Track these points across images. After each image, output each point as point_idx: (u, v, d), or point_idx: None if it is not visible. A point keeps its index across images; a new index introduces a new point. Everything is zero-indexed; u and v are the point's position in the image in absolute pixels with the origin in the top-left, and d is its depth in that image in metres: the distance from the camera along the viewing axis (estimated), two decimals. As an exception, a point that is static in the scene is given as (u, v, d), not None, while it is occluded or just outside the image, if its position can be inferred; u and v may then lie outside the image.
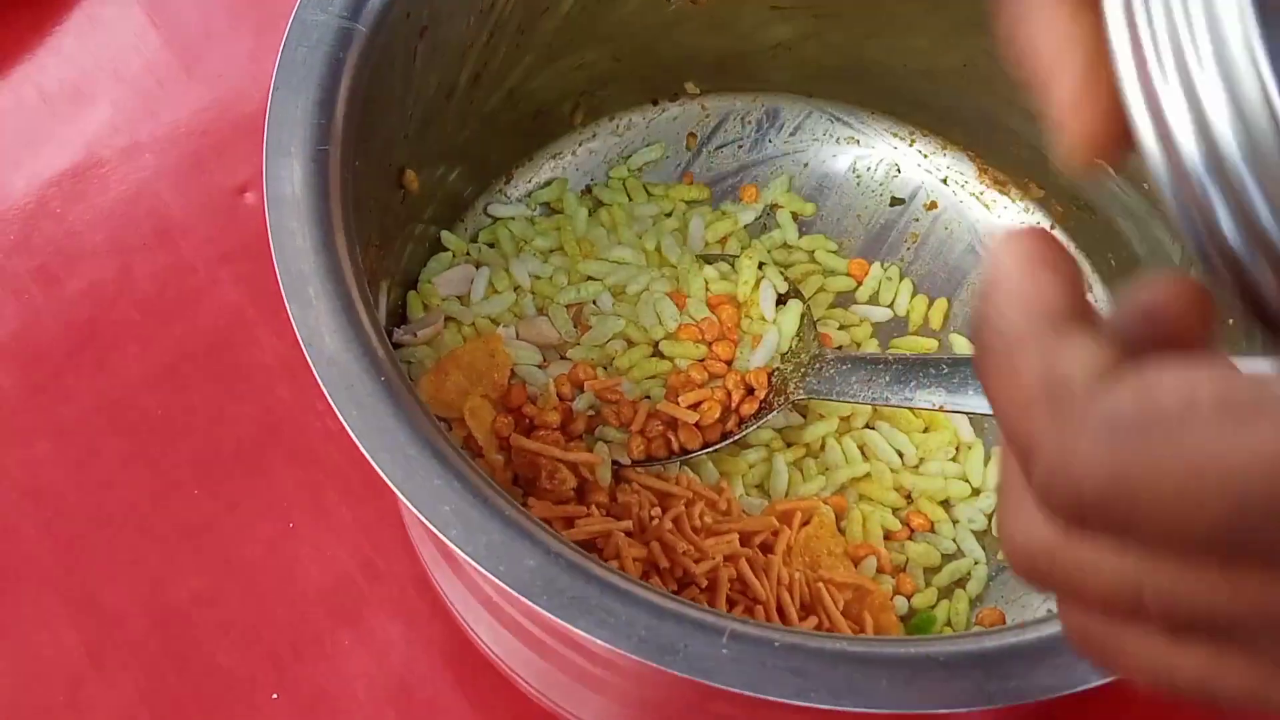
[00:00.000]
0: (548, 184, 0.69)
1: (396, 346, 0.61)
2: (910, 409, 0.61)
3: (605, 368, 0.62)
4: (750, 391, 0.61)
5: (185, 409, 0.66)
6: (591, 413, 0.60)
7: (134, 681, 0.60)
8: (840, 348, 0.65)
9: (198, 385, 0.67)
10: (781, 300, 0.63)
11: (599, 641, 0.40)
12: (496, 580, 0.41)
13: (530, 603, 0.40)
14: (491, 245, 0.66)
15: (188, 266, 0.69)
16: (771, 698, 0.39)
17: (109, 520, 0.63)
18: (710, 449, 0.60)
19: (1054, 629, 0.41)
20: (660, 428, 0.60)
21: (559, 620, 0.40)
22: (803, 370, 0.60)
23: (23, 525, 0.63)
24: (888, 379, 0.57)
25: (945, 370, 0.56)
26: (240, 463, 0.65)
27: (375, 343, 0.44)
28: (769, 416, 0.60)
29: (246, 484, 0.64)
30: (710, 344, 0.62)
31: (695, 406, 0.60)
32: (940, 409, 0.56)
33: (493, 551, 0.41)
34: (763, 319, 0.63)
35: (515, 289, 0.64)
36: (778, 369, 0.62)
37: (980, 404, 0.54)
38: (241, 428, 0.66)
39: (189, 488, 0.64)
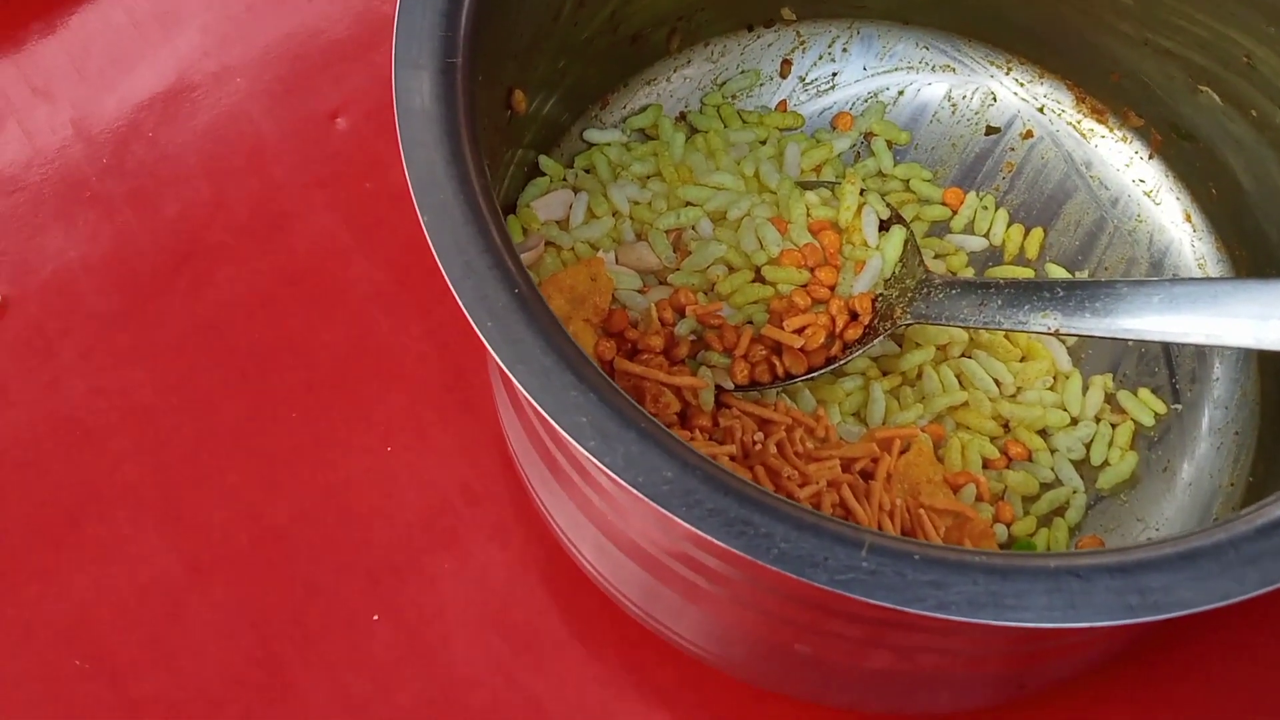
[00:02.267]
0: (642, 110, 0.69)
1: (498, 270, 0.61)
2: (1018, 333, 0.60)
3: (706, 293, 0.62)
4: (854, 317, 0.60)
5: (280, 333, 0.66)
6: (693, 338, 0.60)
7: (235, 599, 0.60)
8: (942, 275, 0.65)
9: (292, 310, 0.67)
10: (884, 226, 0.63)
11: (740, 553, 0.40)
12: (636, 492, 0.40)
13: (670, 513, 0.40)
14: (588, 171, 0.66)
15: (281, 191, 0.69)
16: (914, 610, 0.39)
17: (205, 442, 0.63)
18: (814, 374, 0.60)
19: (1195, 543, 0.41)
20: (764, 353, 0.59)
21: (700, 531, 0.40)
22: (909, 295, 0.60)
23: (121, 448, 0.63)
24: (1000, 303, 0.57)
25: (1060, 294, 0.55)
26: (336, 387, 0.65)
27: (507, 256, 0.44)
28: (874, 342, 0.60)
29: (343, 408, 0.65)
30: (813, 269, 0.62)
31: (800, 331, 0.59)
32: (1055, 333, 0.55)
33: (631, 463, 0.41)
34: (865, 245, 0.62)
35: (614, 214, 0.64)
36: (882, 295, 0.61)
37: (1096, 326, 0.54)
38: (337, 352, 0.66)
39: (285, 411, 0.64)
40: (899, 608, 0.39)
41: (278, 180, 0.69)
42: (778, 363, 0.59)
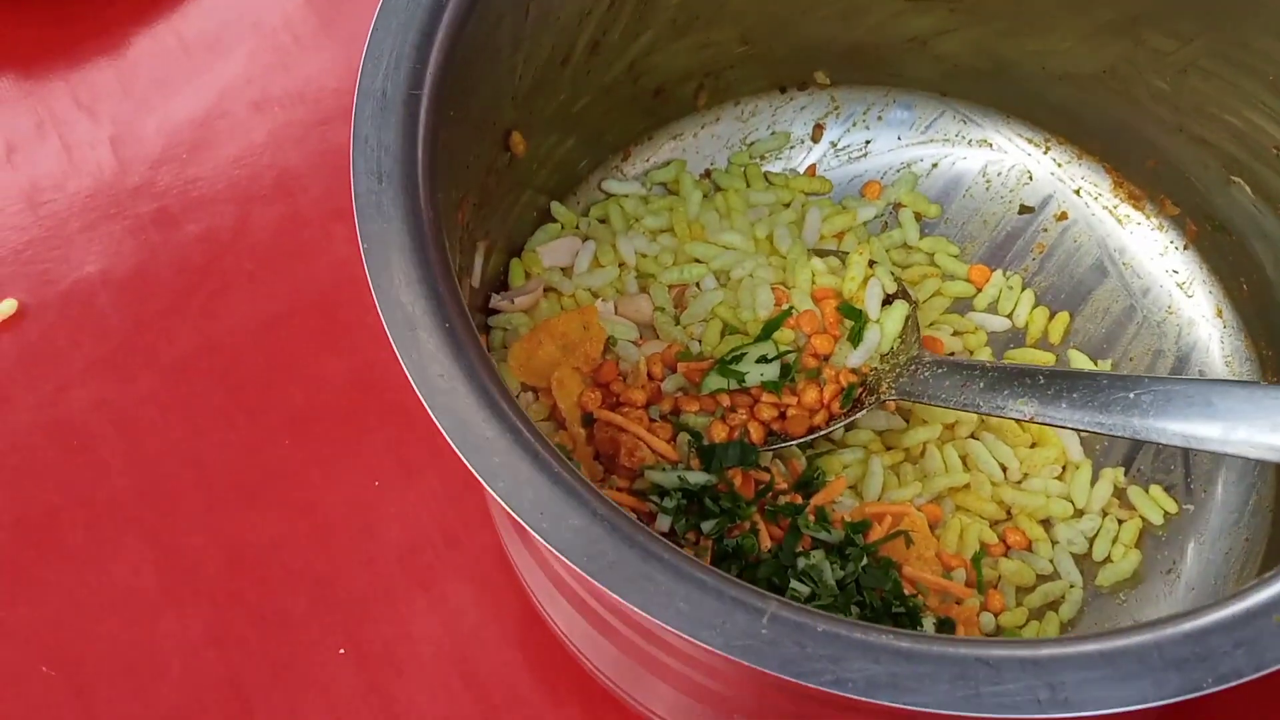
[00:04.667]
0: (666, 164, 0.68)
1: (493, 312, 0.61)
2: (1004, 419, 0.58)
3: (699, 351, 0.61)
4: (844, 388, 0.59)
5: (286, 360, 0.66)
6: (680, 393, 0.59)
7: (205, 621, 0.60)
8: (952, 354, 0.63)
9: (301, 338, 0.67)
10: (889, 300, 0.61)
11: (635, 609, 0.38)
12: (538, 538, 0.39)
13: (569, 562, 0.39)
14: (602, 221, 0.65)
15: (303, 220, 0.70)
16: (808, 684, 0.38)
17: (198, 462, 0.64)
18: (790, 442, 0.58)
19: (1117, 641, 0.39)
20: (744, 416, 0.58)
21: (598, 583, 0.39)
22: (898, 371, 0.58)
23: (114, 459, 0.64)
24: (981, 385, 0.55)
25: (1041, 381, 0.53)
26: (334, 418, 0.65)
27: (444, 291, 0.43)
28: (858, 415, 0.58)
29: (338, 439, 0.65)
30: (809, 336, 0.60)
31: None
32: (1031, 420, 0.53)
33: (538, 507, 0.40)
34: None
35: (620, 265, 0.63)
36: (874, 369, 0.60)
37: (1070, 417, 0.52)
38: (340, 383, 0.66)
39: (281, 437, 0.64)
40: (792, 680, 0.38)
41: (302, 209, 0.70)
42: (755, 427, 0.58)
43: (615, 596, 0.39)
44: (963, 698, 0.38)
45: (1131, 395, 0.50)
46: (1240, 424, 0.47)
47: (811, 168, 0.69)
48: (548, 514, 0.40)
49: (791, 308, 0.61)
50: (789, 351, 0.59)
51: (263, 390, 0.65)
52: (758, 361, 0.59)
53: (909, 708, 0.37)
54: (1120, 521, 0.61)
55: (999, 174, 0.69)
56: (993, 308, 0.66)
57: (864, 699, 0.37)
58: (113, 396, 0.65)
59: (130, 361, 0.66)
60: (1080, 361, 0.64)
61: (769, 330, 0.60)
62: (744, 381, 0.58)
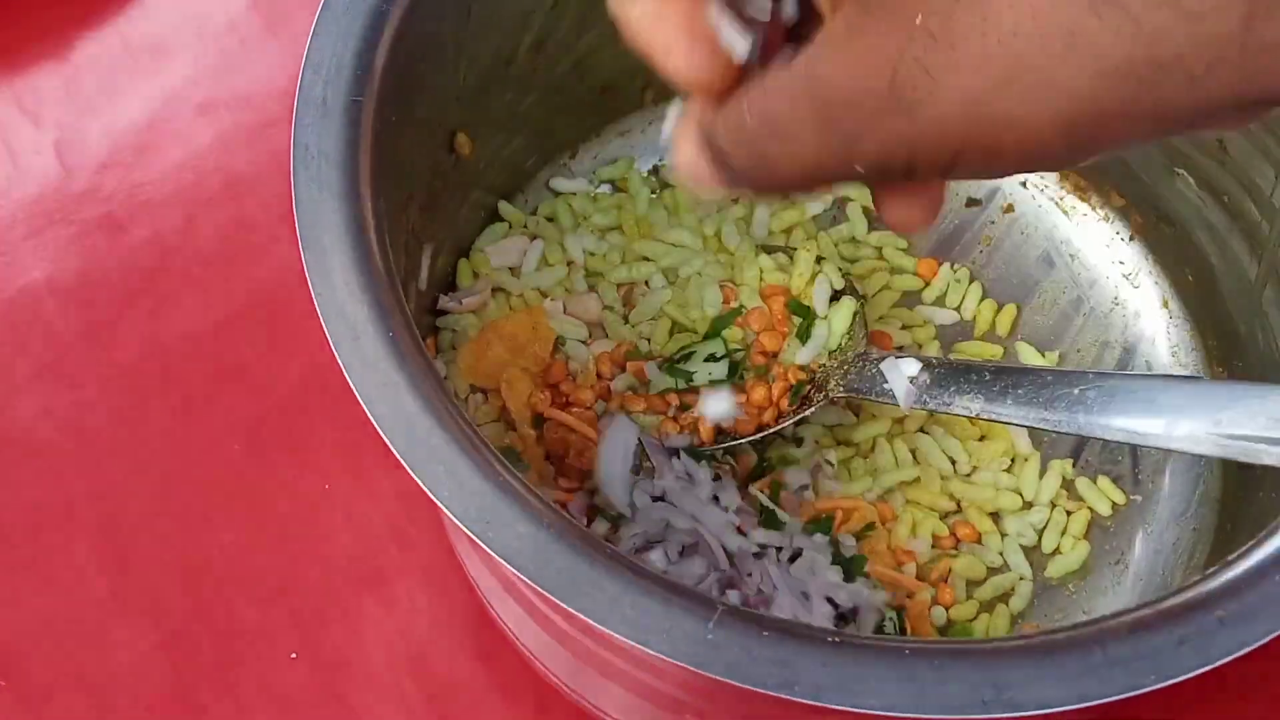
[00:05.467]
0: (614, 161, 0.68)
1: (441, 313, 0.60)
2: (947, 415, 0.58)
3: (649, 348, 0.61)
4: (792, 385, 0.59)
5: (234, 364, 0.66)
6: (629, 392, 0.59)
7: (156, 628, 0.60)
8: (901, 349, 0.63)
9: (249, 342, 0.66)
10: (836, 296, 0.61)
11: (581, 616, 0.38)
12: (483, 546, 0.40)
13: (517, 570, 0.39)
14: (550, 219, 0.65)
15: (250, 223, 0.69)
16: (755, 689, 0.38)
17: (147, 468, 0.63)
18: (740, 440, 0.58)
19: (1062, 639, 0.39)
20: (694, 415, 0.58)
21: (545, 591, 0.39)
22: (845, 368, 0.59)
23: (62, 466, 0.63)
24: (927, 381, 0.55)
25: (987, 377, 0.54)
26: (283, 422, 0.65)
27: (388, 297, 0.43)
28: (807, 412, 0.58)
29: (287, 443, 0.64)
30: (757, 334, 0.60)
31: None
32: (976, 417, 0.54)
33: (482, 515, 0.40)
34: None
35: (568, 264, 0.63)
36: (823, 365, 0.60)
37: (1015, 414, 0.52)
38: (288, 387, 0.66)
39: (230, 442, 0.64)
40: (740, 684, 0.38)
41: (249, 212, 0.69)
42: (705, 426, 0.58)
43: (562, 604, 0.39)
44: (910, 699, 0.38)
45: (1076, 391, 0.50)
46: (1183, 419, 0.47)
47: (759, 163, 0.69)
48: (493, 521, 0.40)
49: (741, 306, 0.61)
50: (737, 350, 0.60)
51: (212, 394, 0.65)
52: (706, 360, 0.59)
53: (856, 710, 0.38)
54: (1069, 513, 0.61)
55: (946, 167, 0.69)
56: (941, 301, 0.66)
57: (811, 702, 0.38)
58: (60, 403, 0.65)
59: (77, 368, 0.65)
60: (1028, 353, 0.65)
61: (717, 328, 0.60)
62: (691, 380, 0.58)
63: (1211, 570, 0.41)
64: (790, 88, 0.31)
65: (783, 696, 0.38)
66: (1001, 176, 0.32)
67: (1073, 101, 0.28)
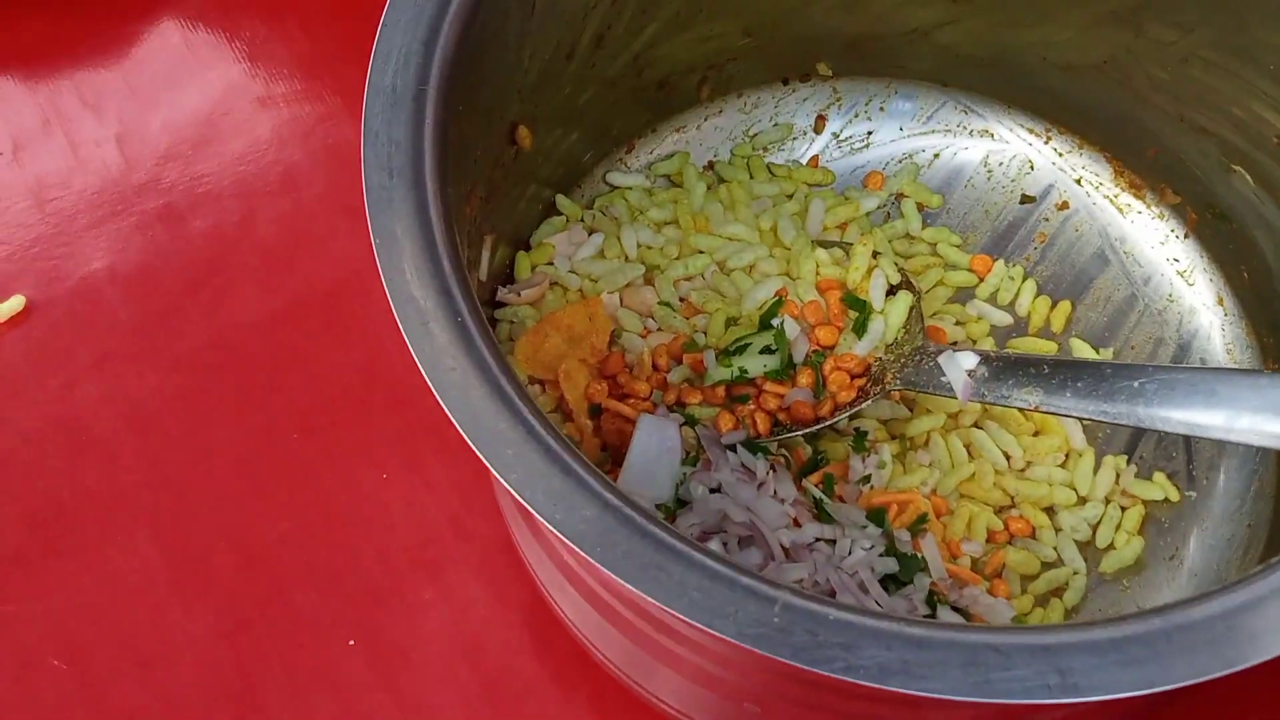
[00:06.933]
0: (670, 156, 0.69)
1: (500, 305, 0.61)
2: (1009, 408, 0.58)
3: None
4: (851, 379, 0.59)
5: (293, 354, 0.67)
6: (685, 385, 0.59)
7: (215, 614, 0.61)
8: (955, 344, 0.64)
9: (308, 332, 0.67)
10: (892, 291, 0.62)
11: (648, 598, 0.39)
12: (552, 529, 0.40)
13: (584, 552, 0.39)
14: (605, 213, 0.66)
15: (309, 215, 0.70)
16: (820, 671, 0.38)
17: (206, 456, 0.64)
18: (796, 433, 0.58)
19: (1124, 627, 0.39)
20: (751, 407, 0.58)
21: (611, 573, 0.39)
22: (903, 361, 0.59)
23: (123, 453, 0.64)
24: (985, 374, 0.55)
25: (1046, 371, 0.54)
26: (342, 411, 0.65)
27: (455, 286, 0.44)
28: (863, 405, 0.58)
29: (346, 433, 0.65)
30: (813, 327, 0.61)
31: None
32: (1036, 409, 0.54)
33: (551, 499, 0.40)
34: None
35: (625, 257, 0.64)
36: (879, 359, 0.60)
37: (1075, 406, 0.52)
38: (346, 377, 0.66)
39: (289, 431, 0.65)
40: (806, 668, 0.38)
41: (307, 205, 0.70)
42: (760, 419, 0.58)
43: (628, 586, 0.39)
44: (974, 684, 0.38)
45: (1136, 384, 0.51)
46: (1244, 412, 0.47)
47: (814, 159, 0.70)
48: (561, 505, 0.40)
49: (780, 298, 0.61)
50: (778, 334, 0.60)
51: (270, 384, 0.66)
52: (761, 352, 0.59)
53: (921, 694, 0.38)
54: (1123, 509, 0.61)
55: (1000, 164, 0.69)
56: (995, 298, 0.66)
57: (876, 685, 0.38)
58: (121, 392, 0.65)
59: (138, 357, 0.66)
60: (1082, 350, 0.65)
61: (766, 319, 0.60)
62: (746, 372, 0.59)
63: (1274, 561, 0.41)
64: None
65: (846, 680, 0.38)
66: None
67: None
